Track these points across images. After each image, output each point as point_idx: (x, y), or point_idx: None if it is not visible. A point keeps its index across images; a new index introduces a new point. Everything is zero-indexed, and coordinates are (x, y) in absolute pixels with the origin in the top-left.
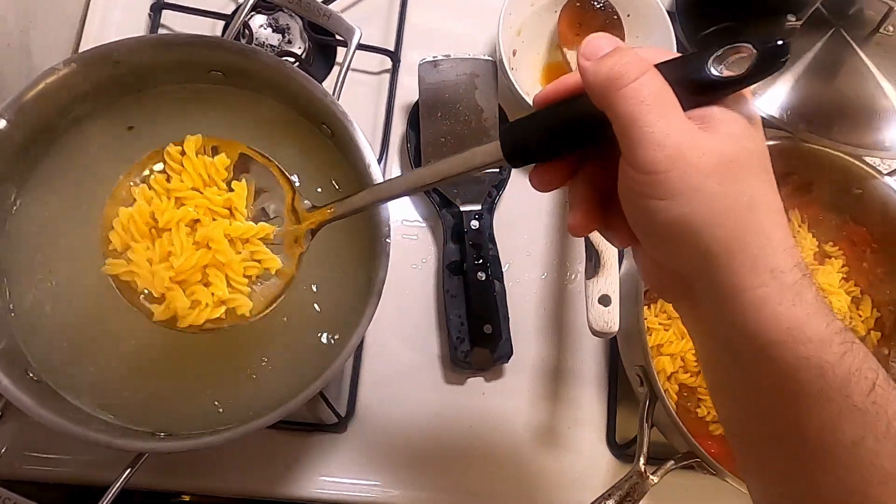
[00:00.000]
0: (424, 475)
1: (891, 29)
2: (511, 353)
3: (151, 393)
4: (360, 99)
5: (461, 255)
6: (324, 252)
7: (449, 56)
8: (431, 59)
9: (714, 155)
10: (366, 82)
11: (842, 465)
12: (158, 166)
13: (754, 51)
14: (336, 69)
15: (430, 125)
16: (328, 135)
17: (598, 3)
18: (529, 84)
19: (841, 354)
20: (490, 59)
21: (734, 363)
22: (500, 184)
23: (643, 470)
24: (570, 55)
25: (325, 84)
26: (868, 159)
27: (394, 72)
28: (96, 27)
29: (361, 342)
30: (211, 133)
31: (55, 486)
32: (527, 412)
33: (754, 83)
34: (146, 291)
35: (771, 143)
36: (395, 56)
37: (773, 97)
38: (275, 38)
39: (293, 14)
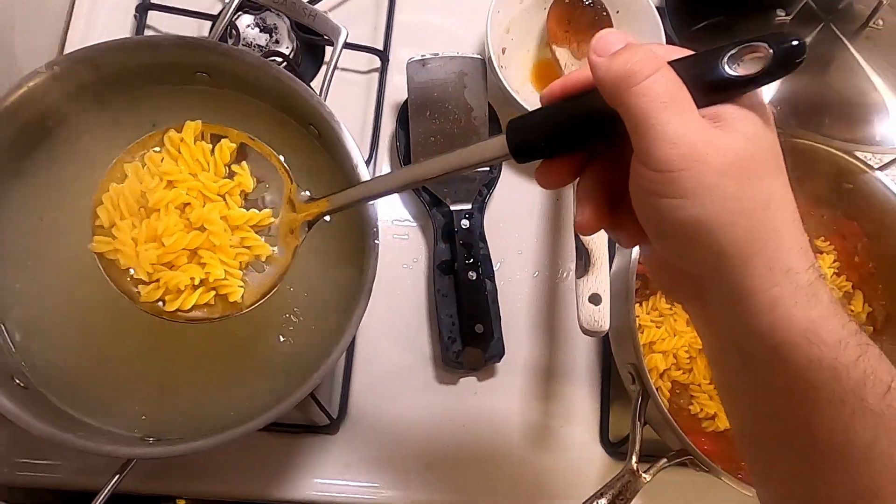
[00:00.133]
0: (418, 476)
1: (880, 23)
2: (503, 353)
3: (141, 397)
4: (349, 98)
5: (452, 255)
6: (313, 253)
7: (437, 55)
8: (420, 57)
9: (730, 154)
10: (355, 81)
11: (854, 468)
12: (157, 147)
13: (770, 50)
14: (324, 69)
15: (419, 124)
16: (315, 135)
17: (587, 0)
18: (519, 82)
19: (856, 357)
20: (479, 57)
21: (745, 364)
22: (490, 182)
23: (635, 468)
24: (560, 52)
25: (313, 84)
26: (859, 154)
27: (382, 71)
28: (81, 28)
29: (353, 343)
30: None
31: (48, 492)
32: (520, 411)
33: (769, 83)
34: (132, 273)
35: None
36: (383, 55)
37: (762, 91)
38: (262, 39)
39: (280, 14)
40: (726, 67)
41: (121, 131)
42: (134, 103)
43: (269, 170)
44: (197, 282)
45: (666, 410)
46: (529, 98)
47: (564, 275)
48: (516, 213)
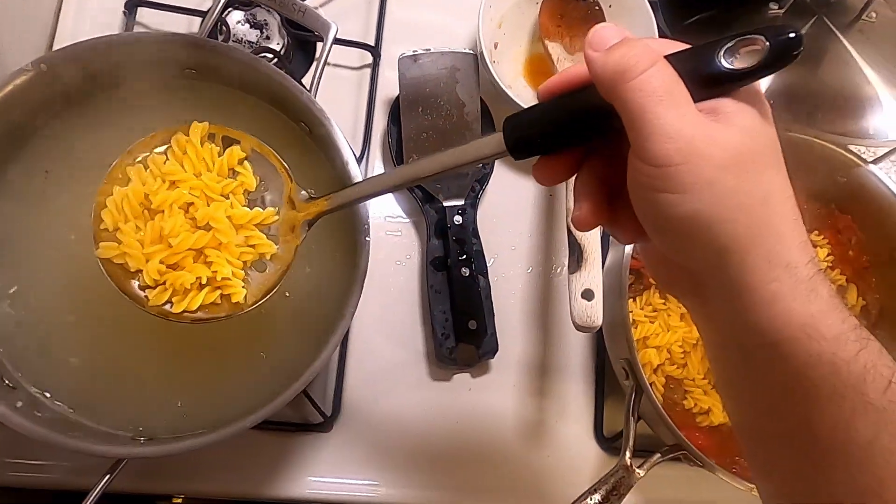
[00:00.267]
0: (412, 473)
1: (873, 16)
2: (496, 349)
3: (132, 396)
4: (341, 94)
5: (445, 251)
6: (305, 251)
7: (429, 50)
8: (411, 53)
9: (728, 148)
10: (347, 77)
11: (855, 464)
12: (159, 148)
13: (767, 43)
14: (315, 65)
15: (411, 120)
16: (306, 132)
17: None
18: (511, 77)
19: (856, 351)
20: (471, 52)
21: (745, 360)
22: (483, 178)
23: (629, 464)
24: (552, 47)
25: (305, 80)
26: (852, 147)
27: (374, 67)
28: (70, 25)
29: (346, 340)
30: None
31: (41, 493)
32: (514, 407)
33: (766, 76)
34: (137, 281)
35: None
36: (375, 51)
37: (760, 86)
38: (253, 35)
39: (271, 10)
40: (723, 61)
41: (110, 130)
42: (123, 101)
43: (269, 169)
44: (204, 280)
45: (660, 405)
46: (522, 93)
47: (558, 270)
48: (509, 208)
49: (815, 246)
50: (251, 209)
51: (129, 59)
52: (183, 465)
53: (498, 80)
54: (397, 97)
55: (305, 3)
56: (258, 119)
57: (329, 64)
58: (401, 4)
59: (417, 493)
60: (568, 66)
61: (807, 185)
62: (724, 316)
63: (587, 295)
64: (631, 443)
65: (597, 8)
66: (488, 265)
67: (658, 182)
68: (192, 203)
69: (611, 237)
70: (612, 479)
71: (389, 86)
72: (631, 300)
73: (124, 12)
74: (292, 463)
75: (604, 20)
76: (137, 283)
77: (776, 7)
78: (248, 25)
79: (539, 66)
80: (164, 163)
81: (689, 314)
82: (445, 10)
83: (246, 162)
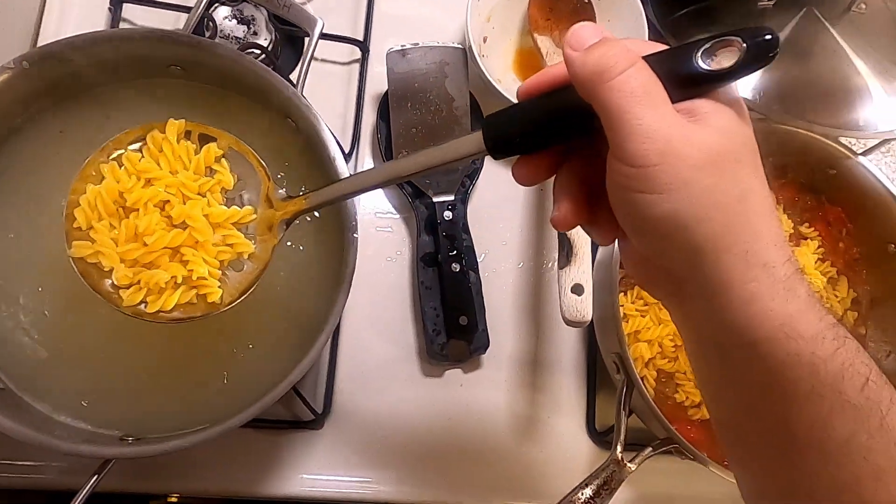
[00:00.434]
0: (404, 469)
1: (863, 7)
2: (488, 344)
3: (119, 394)
4: (330, 90)
5: (435, 247)
6: (292, 248)
7: (417, 45)
8: (399, 48)
9: (704, 148)
10: (336, 73)
11: (833, 462)
12: (133, 146)
13: (744, 44)
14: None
15: (400, 115)
16: (293, 128)
17: None
18: (501, 71)
19: (833, 350)
20: (460, 46)
21: (723, 360)
22: (473, 173)
23: (620, 458)
24: (542, 41)
25: (293, 76)
26: (842, 139)
27: (363, 62)
28: (54, 22)
29: (337, 338)
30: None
31: (32, 493)
32: (506, 402)
33: (743, 77)
34: (111, 281)
35: None
36: (363, 46)
37: (745, 79)
38: (240, 30)
39: (258, 5)
40: (700, 62)
41: (94, 128)
42: (107, 98)
43: (246, 167)
44: (180, 279)
45: (650, 399)
46: (511, 87)
47: (549, 265)
48: (500, 203)
49: (805, 238)
50: (228, 207)
51: (112, 57)
52: (176, 464)
53: (487, 74)
54: (386, 92)
55: None
56: (245, 115)
57: (317, 59)
58: None
59: (410, 490)
60: (557, 59)
61: (797, 178)
62: (703, 315)
63: (577, 290)
64: (622, 437)
65: (586, 1)
66: (479, 260)
67: (636, 182)
68: (167, 201)
69: None
70: (603, 473)
71: (379, 81)
72: (622, 294)
73: (110, 9)
74: (285, 461)
75: (593, 13)
76: (111, 282)
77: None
78: (235, 21)
79: (529, 59)
80: (140, 160)
81: (669, 314)
82: (434, 4)
83: (223, 160)
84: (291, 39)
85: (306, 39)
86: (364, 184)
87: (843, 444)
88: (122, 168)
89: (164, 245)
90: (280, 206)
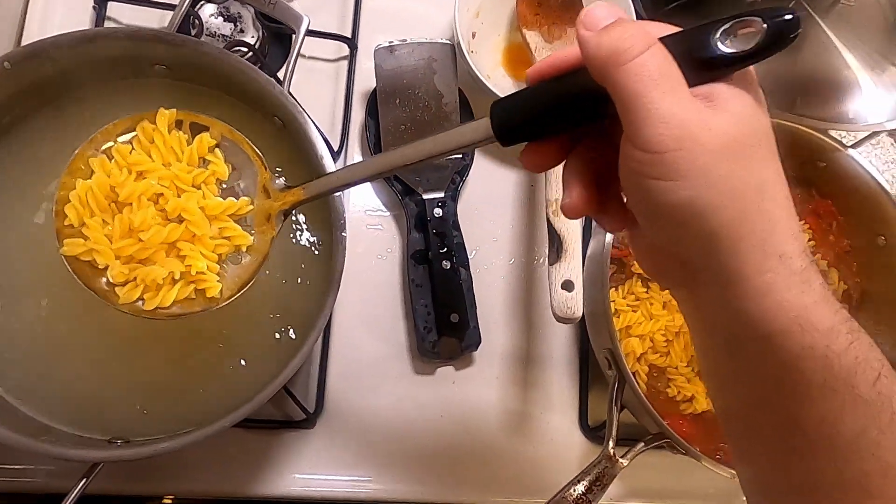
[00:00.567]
0: (397, 467)
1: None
2: (479, 341)
3: (107, 398)
4: (319, 87)
5: (426, 244)
6: (282, 247)
7: (406, 41)
8: (387, 44)
9: (722, 134)
10: (323, 70)
11: (841, 457)
12: (123, 137)
13: (764, 25)
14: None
15: (388, 112)
16: (280, 126)
17: None
18: (490, 67)
19: (847, 344)
20: (448, 42)
21: (734, 352)
22: (463, 170)
23: (612, 454)
24: (530, 36)
25: (281, 74)
26: (832, 132)
27: (351, 59)
28: (38, 22)
29: (328, 336)
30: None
31: (22, 496)
32: (498, 399)
33: (762, 59)
34: (106, 279)
35: None
36: (351, 42)
37: (755, 72)
38: (226, 28)
39: (244, 3)
40: (718, 44)
41: (80, 127)
42: (92, 98)
43: (241, 157)
44: (177, 275)
45: (642, 394)
46: (500, 83)
47: (540, 261)
48: (490, 200)
49: None
50: (224, 199)
51: (96, 56)
52: (168, 466)
53: (476, 70)
54: (374, 89)
55: None
56: (230, 113)
57: (305, 56)
58: None
59: (403, 488)
60: (546, 54)
61: (787, 171)
62: (715, 306)
63: (567, 286)
64: (614, 433)
65: None
66: (470, 257)
67: (651, 169)
68: (161, 194)
69: (593, 226)
70: (595, 469)
71: (367, 78)
72: (613, 290)
73: (94, 7)
74: (278, 461)
75: (581, 7)
76: (106, 280)
77: None
78: (221, 19)
79: (518, 55)
80: (130, 152)
81: (677, 304)
82: (424, 0)
83: (217, 149)
84: (279, 37)
85: (293, 37)
86: (364, 173)
87: (852, 439)
88: (113, 161)
89: (161, 240)
90: (278, 197)
